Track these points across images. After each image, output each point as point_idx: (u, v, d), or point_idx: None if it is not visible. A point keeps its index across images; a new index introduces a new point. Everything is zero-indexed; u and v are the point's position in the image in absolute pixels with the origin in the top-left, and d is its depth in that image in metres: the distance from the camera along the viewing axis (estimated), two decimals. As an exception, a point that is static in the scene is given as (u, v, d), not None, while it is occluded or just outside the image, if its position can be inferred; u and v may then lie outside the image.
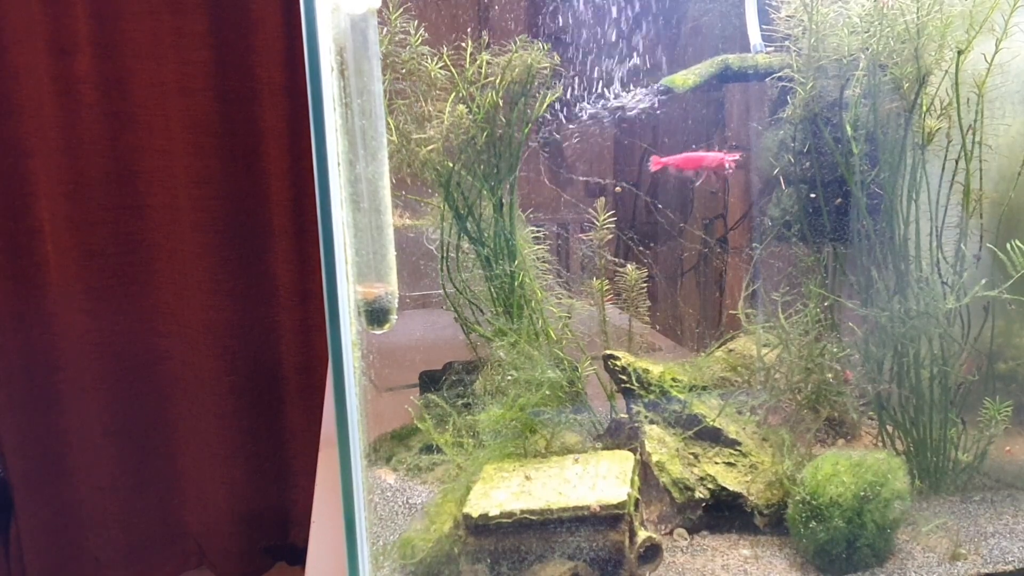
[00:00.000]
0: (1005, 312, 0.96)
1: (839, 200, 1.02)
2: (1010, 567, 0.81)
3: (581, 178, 1.18)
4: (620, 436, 1.01)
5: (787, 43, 1.00)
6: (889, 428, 1.00)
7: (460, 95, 0.98)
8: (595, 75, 1.15)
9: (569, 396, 1.02)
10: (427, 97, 0.98)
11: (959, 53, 0.91)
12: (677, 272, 1.40)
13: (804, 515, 0.82)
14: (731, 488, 0.89)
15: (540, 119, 1.03)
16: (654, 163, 0.94)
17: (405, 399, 0.95)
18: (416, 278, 1.06)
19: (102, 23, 1.75)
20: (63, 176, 1.78)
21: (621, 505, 0.78)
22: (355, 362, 0.67)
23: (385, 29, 0.94)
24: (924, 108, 0.95)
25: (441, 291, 1.07)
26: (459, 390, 0.96)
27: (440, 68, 0.97)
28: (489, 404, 0.92)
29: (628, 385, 0.99)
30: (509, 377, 0.94)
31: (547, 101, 1.01)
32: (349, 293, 0.66)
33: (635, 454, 0.90)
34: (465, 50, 0.97)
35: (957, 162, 0.95)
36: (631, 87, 1.15)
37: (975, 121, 0.93)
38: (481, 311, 1.07)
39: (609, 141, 1.29)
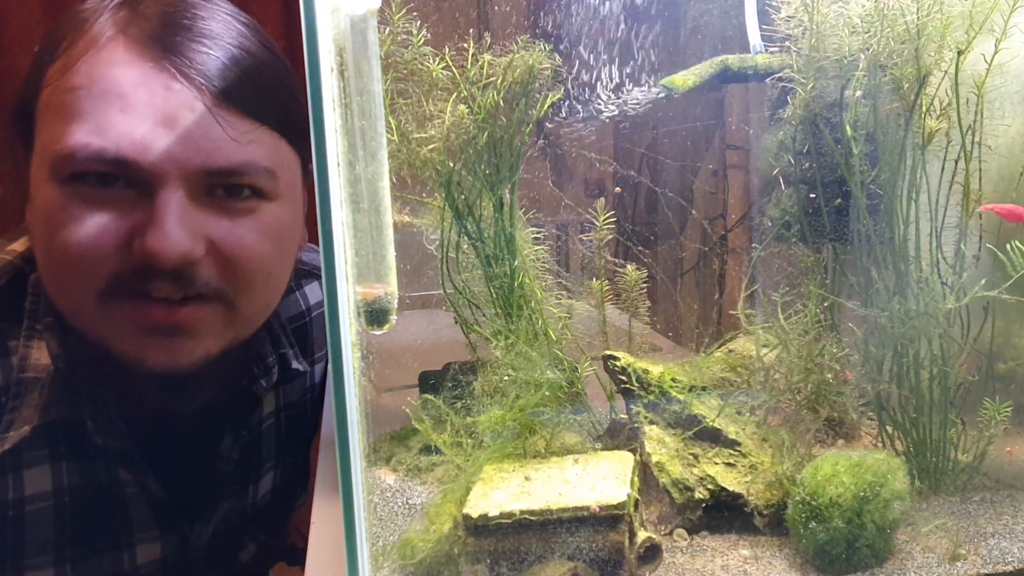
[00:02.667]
0: (1005, 312, 0.95)
1: (839, 200, 1.02)
2: (1010, 567, 0.81)
3: (594, 158, 1.17)
4: (620, 437, 1.00)
5: (787, 43, 1.00)
6: (889, 428, 1.00)
7: (461, 95, 0.98)
8: (594, 76, 1.15)
9: (569, 397, 1.02)
10: (428, 97, 0.98)
11: (959, 53, 0.91)
12: (677, 272, 1.40)
13: (804, 515, 0.82)
14: (731, 489, 0.89)
15: (542, 119, 1.02)
16: (983, 207, 0.95)
17: (404, 400, 0.95)
18: (416, 278, 1.06)
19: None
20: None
21: (621, 506, 0.77)
22: (355, 363, 0.67)
23: (387, 29, 0.94)
24: (924, 109, 0.95)
25: (441, 291, 1.07)
26: (458, 391, 0.95)
27: (442, 68, 0.97)
28: (488, 405, 0.92)
29: (628, 385, 0.99)
30: (506, 377, 0.94)
31: (548, 102, 1.01)
32: (349, 294, 0.66)
33: (635, 455, 0.90)
34: (467, 51, 0.97)
35: (957, 162, 0.95)
36: (629, 88, 1.15)
37: (975, 121, 0.93)
38: (481, 312, 1.06)
39: (608, 143, 1.29)
